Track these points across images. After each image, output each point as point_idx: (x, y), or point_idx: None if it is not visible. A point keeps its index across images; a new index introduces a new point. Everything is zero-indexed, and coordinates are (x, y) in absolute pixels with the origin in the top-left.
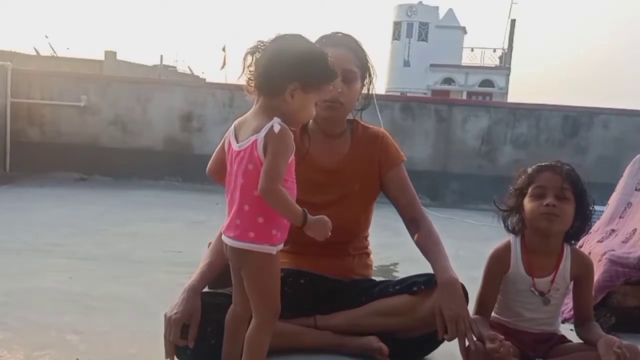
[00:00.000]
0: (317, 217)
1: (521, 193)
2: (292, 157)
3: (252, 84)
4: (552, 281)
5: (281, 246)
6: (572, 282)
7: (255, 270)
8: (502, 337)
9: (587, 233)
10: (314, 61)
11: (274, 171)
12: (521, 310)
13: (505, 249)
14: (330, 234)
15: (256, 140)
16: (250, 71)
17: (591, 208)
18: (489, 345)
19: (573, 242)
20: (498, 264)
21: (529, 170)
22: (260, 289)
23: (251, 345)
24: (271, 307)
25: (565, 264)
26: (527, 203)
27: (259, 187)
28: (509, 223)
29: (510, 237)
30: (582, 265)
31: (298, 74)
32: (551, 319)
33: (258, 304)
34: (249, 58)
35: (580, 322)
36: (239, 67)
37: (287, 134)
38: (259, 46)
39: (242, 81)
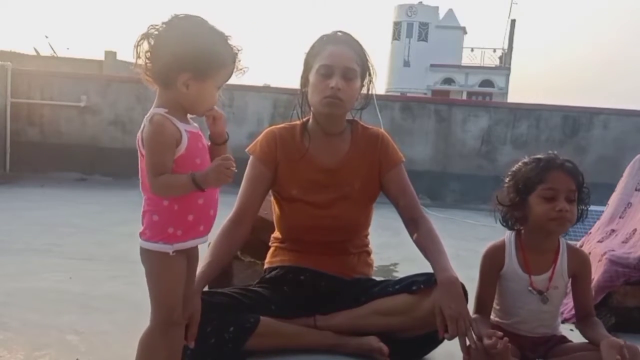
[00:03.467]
0: (206, 170)
1: (527, 190)
2: (185, 148)
3: (149, 75)
4: (550, 279)
5: (186, 244)
6: (570, 281)
7: (150, 270)
8: (500, 333)
9: (582, 221)
10: (203, 47)
11: (151, 166)
12: (520, 312)
13: (499, 246)
14: (234, 169)
15: (138, 135)
16: (146, 61)
17: (587, 202)
18: (486, 341)
19: (565, 235)
20: (492, 260)
21: (534, 164)
22: (154, 290)
23: (141, 348)
24: (164, 311)
25: (562, 260)
26: (536, 204)
27: (148, 186)
28: (509, 218)
29: (505, 236)
30: (579, 261)
31: (187, 64)
32: (550, 321)
33: (152, 306)
34: (143, 45)
35: (581, 318)
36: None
37: (158, 122)
38: (151, 32)
39: (141, 73)
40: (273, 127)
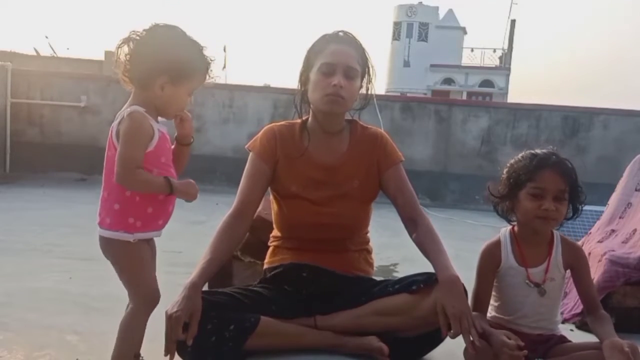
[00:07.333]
0: (182, 181)
1: (517, 185)
2: (154, 146)
3: (127, 76)
4: (547, 270)
5: (145, 235)
6: (567, 273)
7: (116, 258)
8: (522, 343)
9: (575, 218)
10: (182, 55)
11: (124, 157)
12: (519, 306)
13: (496, 244)
14: (197, 195)
15: (112, 127)
16: (125, 62)
17: (582, 200)
18: (504, 338)
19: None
20: (489, 258)
21: (527, 161)
22: (126, 277)
23: (123, 329)
24: (141, 294)
25: (557, 251)
26: (524, 200)
27: (115, 175)
28: (500, 209)
29: (500, 233)
30: (573, 253)
31: (165, 68)
32: (549, 314)
33: (129, 292)
34: (124, 49)
35: (589, 312)
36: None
37: (137, 118)
38: (132, 37)
39: (119, 73)
40: (273, 124)
